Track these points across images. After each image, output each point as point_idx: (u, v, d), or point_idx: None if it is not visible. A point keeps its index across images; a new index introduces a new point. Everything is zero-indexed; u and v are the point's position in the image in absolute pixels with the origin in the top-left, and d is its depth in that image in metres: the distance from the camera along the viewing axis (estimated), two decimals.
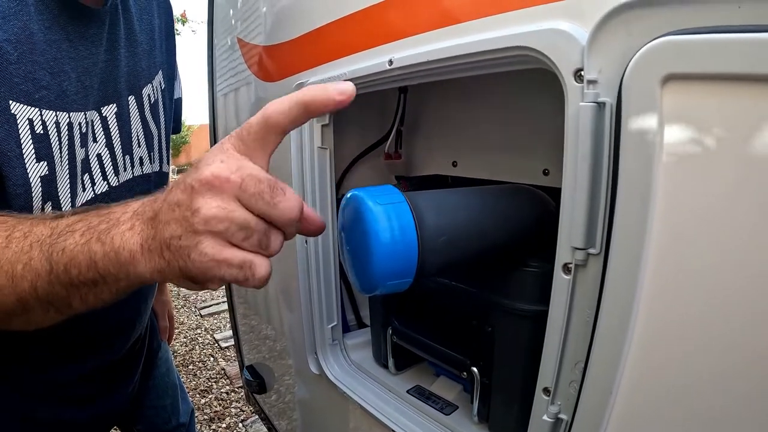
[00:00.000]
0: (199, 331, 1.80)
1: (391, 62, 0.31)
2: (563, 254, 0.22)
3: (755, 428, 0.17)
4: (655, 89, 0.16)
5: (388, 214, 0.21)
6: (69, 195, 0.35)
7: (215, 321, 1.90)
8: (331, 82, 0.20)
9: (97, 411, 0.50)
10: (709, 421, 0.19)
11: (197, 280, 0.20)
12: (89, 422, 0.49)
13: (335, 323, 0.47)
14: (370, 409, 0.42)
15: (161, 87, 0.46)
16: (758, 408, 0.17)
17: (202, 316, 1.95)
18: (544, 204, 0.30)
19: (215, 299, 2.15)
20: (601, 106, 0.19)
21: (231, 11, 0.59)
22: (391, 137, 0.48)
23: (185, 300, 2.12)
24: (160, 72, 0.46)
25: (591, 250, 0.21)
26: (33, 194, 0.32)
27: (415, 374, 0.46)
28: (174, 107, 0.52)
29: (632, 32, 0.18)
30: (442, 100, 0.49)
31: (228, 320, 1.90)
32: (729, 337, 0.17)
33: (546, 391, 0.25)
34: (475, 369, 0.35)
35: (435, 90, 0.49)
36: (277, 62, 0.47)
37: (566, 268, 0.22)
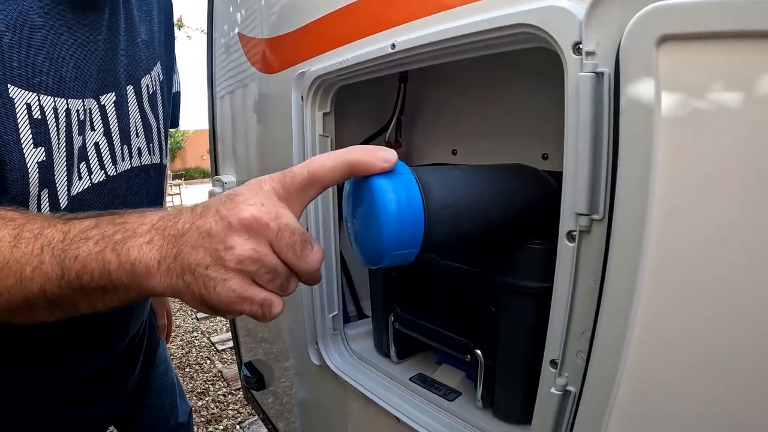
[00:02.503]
0: (195, 334, 1.77)
1: (393, 46, 0.31)
2: (567, 221, 0.22)
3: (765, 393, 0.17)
4: (651, 51, 0.17)
5: (395, 185, 0.21)
6: (66, 183, 0.35)
7: (211, 324, 1.88)
8: (377, 147, 0.21)
9: (96, 411, 0.48)
10: (721, 384, 0.19)
11: (216, 310, 0.21)
12: (88, 423, 0.48)
13: (336, 312, 0.47)
14: (373, 397, 0.41)
15: (160, 78, 0.46)
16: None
17: (198, 319, 1.92)
18: (546, 183, 0.30)
19: None
20: (599, 76, 0.20)
21: (231, 7, 0.59)
22: (391, 126, 0.49)
23: (181, 303, 2.08)
24: (159, 63, 0.46)
25: (594, 216, 0.21)
26: (30, 180, 0.32)
27: (417, 363, 0.46)
28: (173, 101, 0.52)
29: (626, 6, 0.19)
30: (441, 90, 0.49)
31: (224, 323, 1.88)
32: (737, 296, 0.17)
33: (553, 363, 0.25)
34: (479, 351, 0.35)
35: (434, 80, 0.49)
36: (279, 54, 0.48)
37: (570, 236, 0.22)
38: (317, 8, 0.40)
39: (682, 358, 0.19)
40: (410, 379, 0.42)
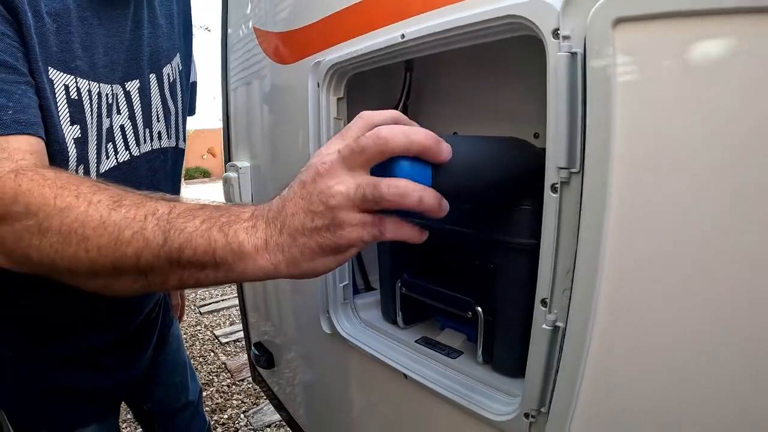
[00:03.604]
0: (198, 327, 1.79)
1: (403, 36, 0.36)
2: (551, 175, 0.27)
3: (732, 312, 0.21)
4: (608, 31, 0.22)
5: None
6: (95, 160, 0.38)
7: (214, 318, 1.89)
8: (440, 139, 0.23)
9: (112, 381, 0.51)
10: (684, 309, 0.22)
11: (337, 251, 0.23)
12: (104, 390, 0.51)
13: (346, 282, 0.51)
14: (382, 357, 0.45)
15: (179, 68, 0.50)
16: (730, 298, 0.20)
17: (201, 314, 1.94)
18: (536, 153, 0.35)
19: (214, 297, 2.14)
20: (573, 55, 0.25)
21: (246, 2, 0.64)
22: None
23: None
24: (178, 54, 0.49)
25: (572, 169, 0.26)
26: (69, 155, 0.35)
27: (421, 328, 0.50)
28: (190, 90, 0.55)
29: None
30: (443, 78, 0.54)
31: (227, 318, 1.89)
32: (691, 228, 0.21)
33: (543, 302, 0.29)
34: (479, 308, 0.39)
35: (437, 69, 0.54)
36: (294, 46, 0.52)
37: (553, 188, 0.27)
38: (332, 3, 0.45)
39: (651, 285, 0.23)
40: (416, 342, 0.46)
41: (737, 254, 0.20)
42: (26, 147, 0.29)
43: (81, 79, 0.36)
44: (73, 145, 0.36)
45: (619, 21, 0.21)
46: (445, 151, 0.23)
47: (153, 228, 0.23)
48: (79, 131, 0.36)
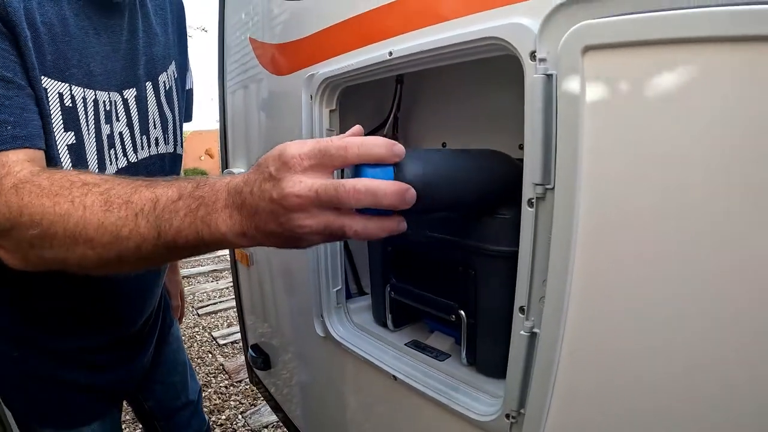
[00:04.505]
0: (197, 329, 1.80)
1: (391, 53, 0.38)
2: (527, 191, 0.28)
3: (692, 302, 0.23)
4: (578, 58, 0.23)
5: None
6: (97, 167, 0.39)
7: (212, 320, 1.90)
8: (392, 143, 0.25)
9: (114, 378, 0.53)
10: (651, 326, 0.23)
11: (303, 244, 0.26)
12: (106, 388, 0.52)
13: (339, 287, 0.52)
14: (373, 360, 0.47)
15: (174, 76, 0.51)
16: (695, 290, 0.22)
17: (199, 315, 1.95)
18: (514, 165, 0.36)
19: (212, 299, 2.15)
20: (549, 77, 0.26)
21: (243, 13, 0.65)
22: (388, 122, 0.55)
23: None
24: (174, 62, 0.50)
25: (547, 186, 0.27)
26: (62, 161, 0.36)
27: (411, 331, 0.51)
28: (186, 97, 0.57)
29: (567, 23, 0.25)
30: (432, 91, 0.56)
31: (225, 319, 1.90)
32: (655, 242, 0.23)
33: (521, 309, 0.30)
34: (462, 312, 0.41)
35: (426, 82, 0.56)
36: (289, 58, 0.54)
37: (530, 202, 0.28)
38: (324, 19, 0.46)
39: (615, 296, 0.25)
40: (405, 345, 0.48)
41: (698, 265, 0.21)
42: (24, 157, 0.31)
43: (76, 87, 0.37)
44: (66, 152, 0.36)
45: (588, 48, 0.23)
46: (393, 157, 0.26)
47: (145, 225, 0.26)
48: (74, 137, 0.37)
